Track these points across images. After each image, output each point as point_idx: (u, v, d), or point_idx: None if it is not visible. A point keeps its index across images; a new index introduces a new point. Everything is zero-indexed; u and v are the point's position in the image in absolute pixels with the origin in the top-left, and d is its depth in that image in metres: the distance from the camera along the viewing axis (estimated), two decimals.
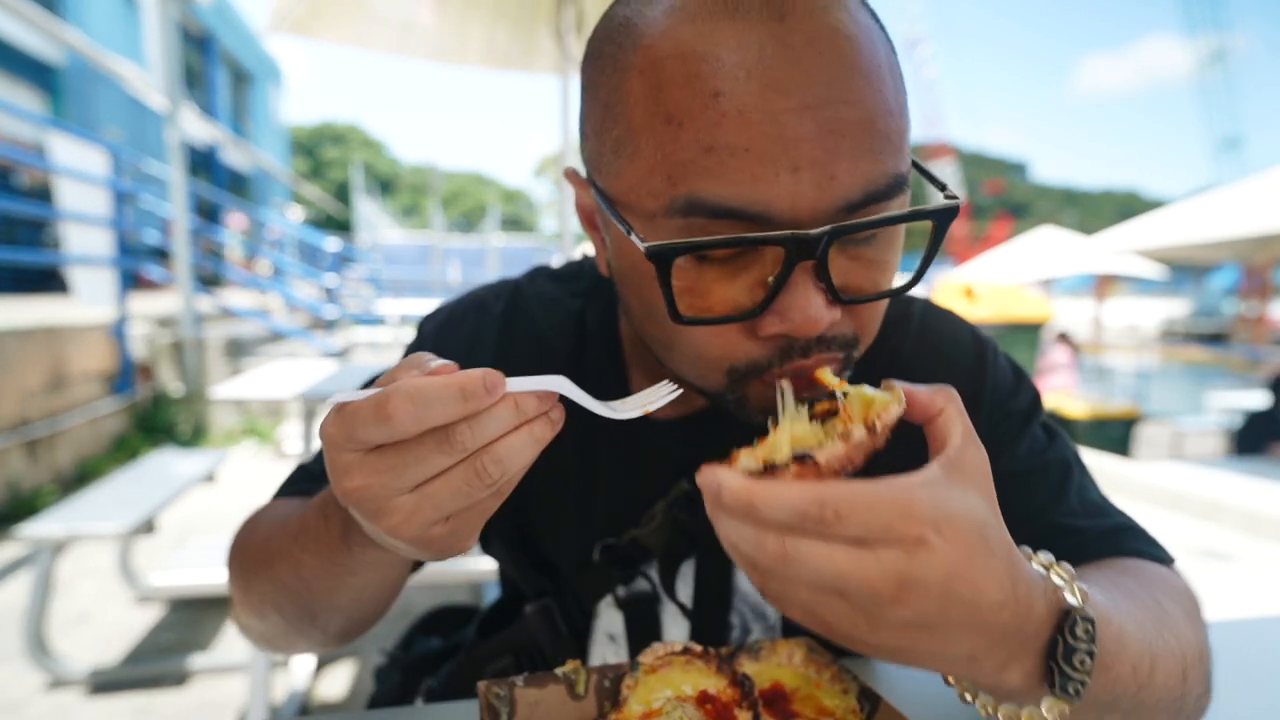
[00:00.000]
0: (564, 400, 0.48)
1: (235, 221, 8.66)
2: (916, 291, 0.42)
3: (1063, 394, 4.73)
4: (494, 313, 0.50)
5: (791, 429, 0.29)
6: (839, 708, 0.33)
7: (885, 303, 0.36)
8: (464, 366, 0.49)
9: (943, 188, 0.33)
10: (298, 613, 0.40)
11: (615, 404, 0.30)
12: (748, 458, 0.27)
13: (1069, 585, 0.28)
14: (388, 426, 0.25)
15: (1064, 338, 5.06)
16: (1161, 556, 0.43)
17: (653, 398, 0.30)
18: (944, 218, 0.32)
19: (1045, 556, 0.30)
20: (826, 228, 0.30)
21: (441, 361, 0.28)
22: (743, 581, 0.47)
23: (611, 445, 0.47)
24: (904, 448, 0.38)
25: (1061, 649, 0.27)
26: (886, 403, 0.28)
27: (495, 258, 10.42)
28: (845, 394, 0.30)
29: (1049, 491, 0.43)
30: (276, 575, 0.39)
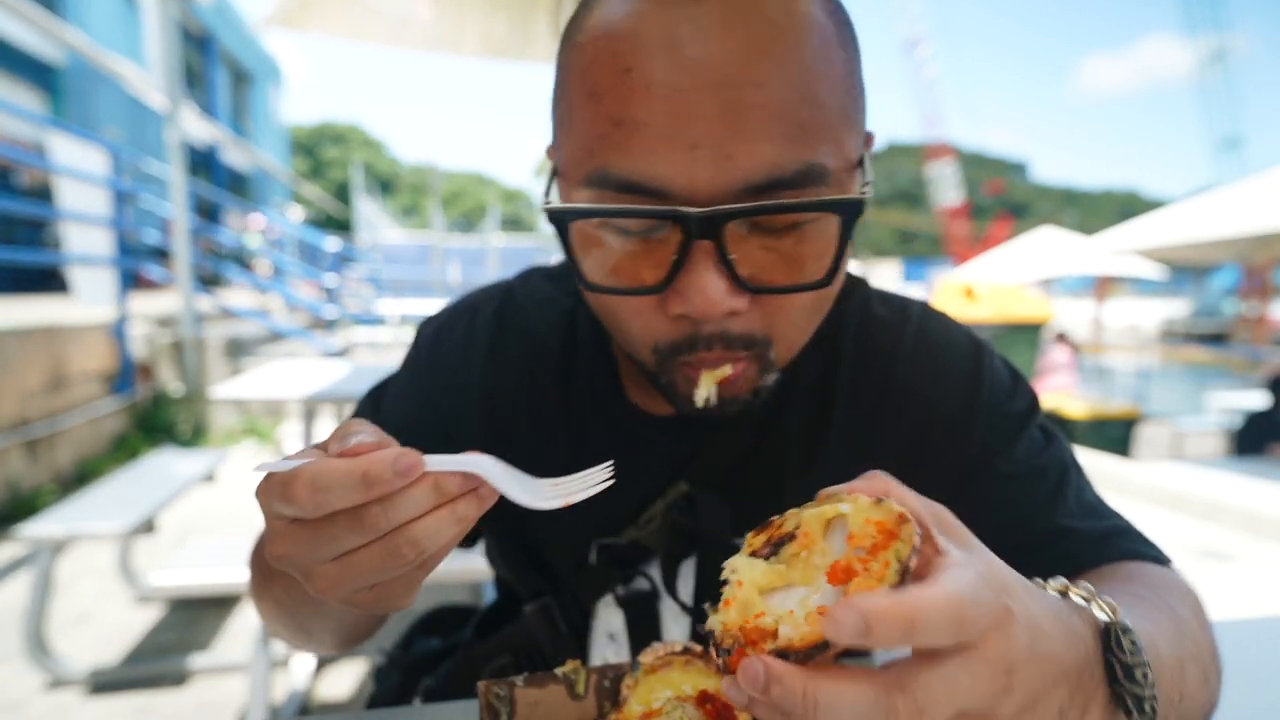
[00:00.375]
0: (554, 389, 0.48)
1: (255, 222, 8.63)
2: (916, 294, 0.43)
3: (1063, 394, 4.73)
4: (486, 315, 0.50)
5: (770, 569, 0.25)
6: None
7: (807, 308, 0.35)
8: (455, 369, 0.49)
9: (868, 179, 0.33)
10: (294, 626, 0.42)
11: (541, 487, 0.29)
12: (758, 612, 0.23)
13: (1093, 602, 0.27)
14: (292, 508, 0.25)
15: (1062, 338, 5.06)
16: (1159, 558, 0.42)
17: (577, 487, 0.29)
18: (849, 210, 0.31)
19: (1058, 582, 0.28)
20: (717, 207, 0.30)
21: (362, 437, 0.26)
22: None
23: (603, 443, 0.47)
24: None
25: (1120, 669, 0.25)
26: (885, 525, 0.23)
27: (495, 258, 10.41)
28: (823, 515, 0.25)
29: (1046, 494, 0.43)
30: (273, 594, 0.40)
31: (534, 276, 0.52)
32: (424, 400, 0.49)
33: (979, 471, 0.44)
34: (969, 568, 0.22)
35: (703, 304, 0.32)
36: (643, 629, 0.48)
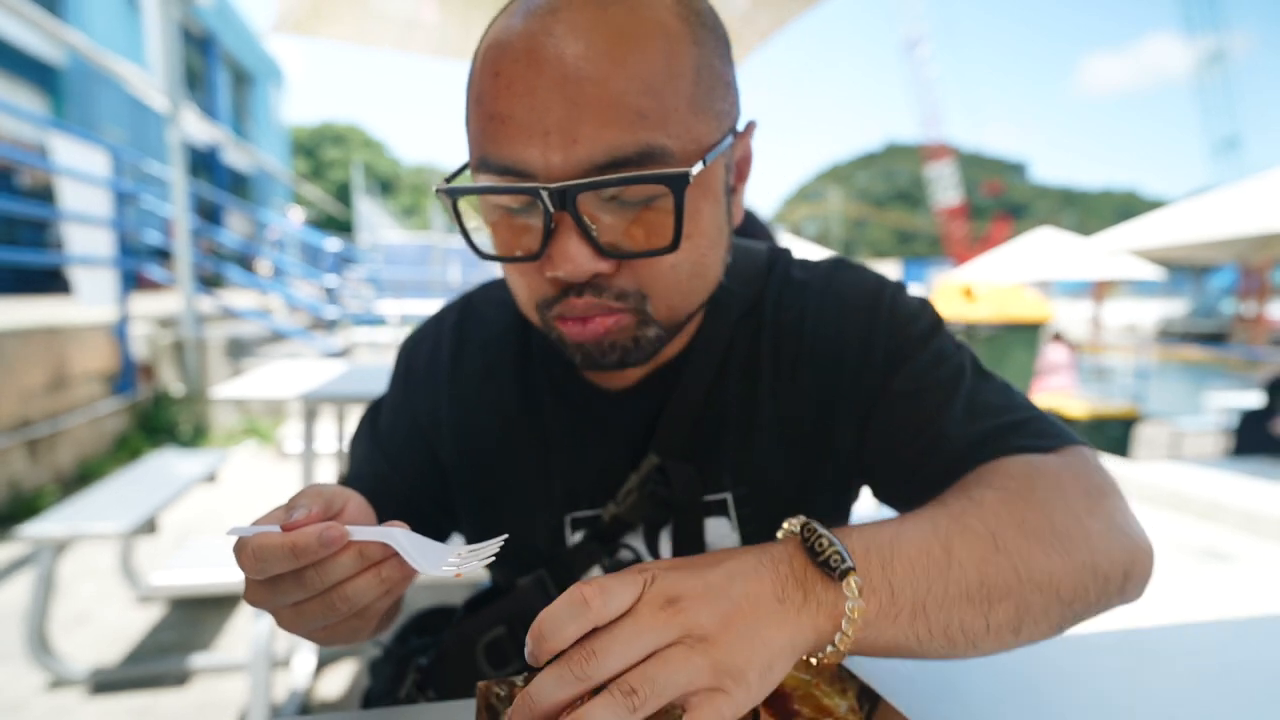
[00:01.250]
0: (512, 381, 0.52)
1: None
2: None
3: (1061, 394, 4.74)
4: (449, 324, 0.55)
5: None
6: (838, 707, 0.33)
7: (674, 269, 0.40)
8: (426, 379, 0.53)
9: (688, 177, 0.37)
10: (304, 634, 0.45)
11: (443, 555, 0.33)
12: None
13: (790, 525, 0.34)
14: (248, 572, 0.31)
15: (1059, 337, 5.07)
16: (1037, 446, 0.41)
17: (473, 558, 0.33)
18: (676, 182, 0.36)
19: (796, 521, 0.33)
20: (565, 182, 0.36)
21: (300, 512, 0.31)
22: (709, 535, 0.50)
23: (565, 423, 0.50)
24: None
25: (809, 551, 0.31)
26: None
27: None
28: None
29: (935, 405, 0.44)
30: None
31: (490, 285, 0.57)
32: (408, 412, 0.53)
33: (880, 395, 0.46)
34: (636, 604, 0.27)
35: (569, 268, 0.38)
36: None
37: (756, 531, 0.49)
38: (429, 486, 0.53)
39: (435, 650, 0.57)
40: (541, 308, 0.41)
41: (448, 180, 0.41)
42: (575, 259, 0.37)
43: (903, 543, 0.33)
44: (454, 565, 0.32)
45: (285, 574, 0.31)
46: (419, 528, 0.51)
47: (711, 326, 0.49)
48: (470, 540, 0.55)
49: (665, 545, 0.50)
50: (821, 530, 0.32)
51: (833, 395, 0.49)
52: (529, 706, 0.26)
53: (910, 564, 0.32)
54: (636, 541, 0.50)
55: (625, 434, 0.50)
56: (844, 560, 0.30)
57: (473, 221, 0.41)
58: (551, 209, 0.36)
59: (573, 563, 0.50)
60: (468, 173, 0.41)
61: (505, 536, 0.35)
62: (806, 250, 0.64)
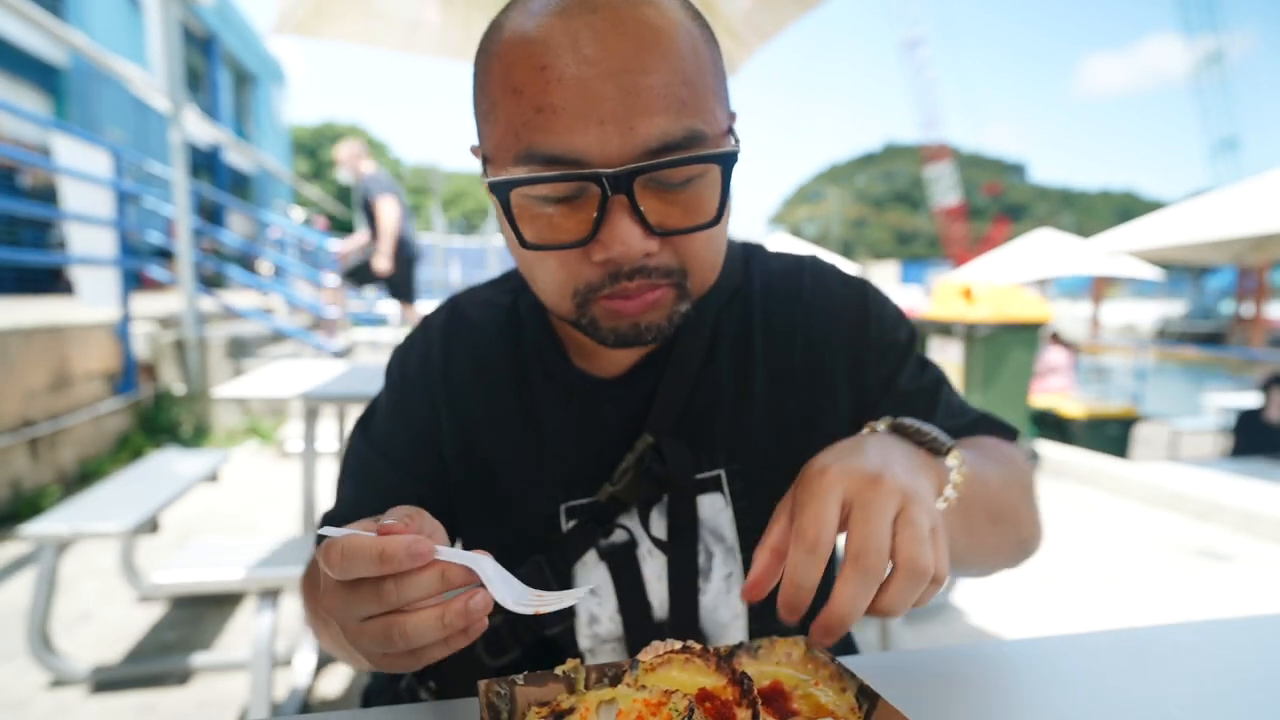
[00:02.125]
0: (505, 374, 0.53)
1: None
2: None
3: (1059, 395, 4.75)
4: (437, 326, 0.56)
5: None
6: (838, 706, 0.33)
7: (711, 242, 0.43)
8: (420, 381, 0.54)
9: (738, 141, 0.42)
10: (344, 656, 0.45)
11: (525, 593, 0.33)
12: None
13: (882, 423, 0.42)
14: (330, 570, 0.31)
15: (1057, 338, 5.08)
16: (1002, 435, 0.55)
17: (554, 600, 0.33)
18: (726, 161, 0.40)
19: (869, 425, 0.42)
20: (627, 166, 0.38)
21: (393, 519, 0.32)
22: (703, 510, 0.52)
23: (559, 411, 0.52)
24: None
25: (913, 436, 0.40)
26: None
27: (496, 258, 10.43)
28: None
29: (927, 404, 0.54)
30: (320, 626, 0.45)
31: (475, 288, 0.59)
32: (405, 416, 0.54)
33: (881, 394, 0.53)
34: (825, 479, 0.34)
35: (623, 249, 0.39)
36: (624, 576, 0.51)
37: (749, 506, 0.51)
38: (437, 487, 0.54)
39: None
40: (583, 293, 0.42)
41: (487, 175, 0.41)
42: (629, 240, 0.39)
43: (967, 461, 0.41)
44: (534, 604, 0.32)
45: (365, 583, 0.31)
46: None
47: (698, 311, 0.51)
48: (467, 531, 0.55)
49: (657, 523, 0.51)
50: (917, 423, 0.41)
51: (826, 377, 0.53)
52: (797, 593, 0.32)
53: (973, 477, 0.41)
54: (630, 521, 0.51)
55: (619, 419, 0.51)
56: (945, 442, 0.40)
57: (522, 217, 0.41)
58: (609, 193, 0.38)
59: (568, 548, 0.51)
60: (489, 168, 0.42)
61: (591, 587, 0.35)
62: (807, 251, 0.65)
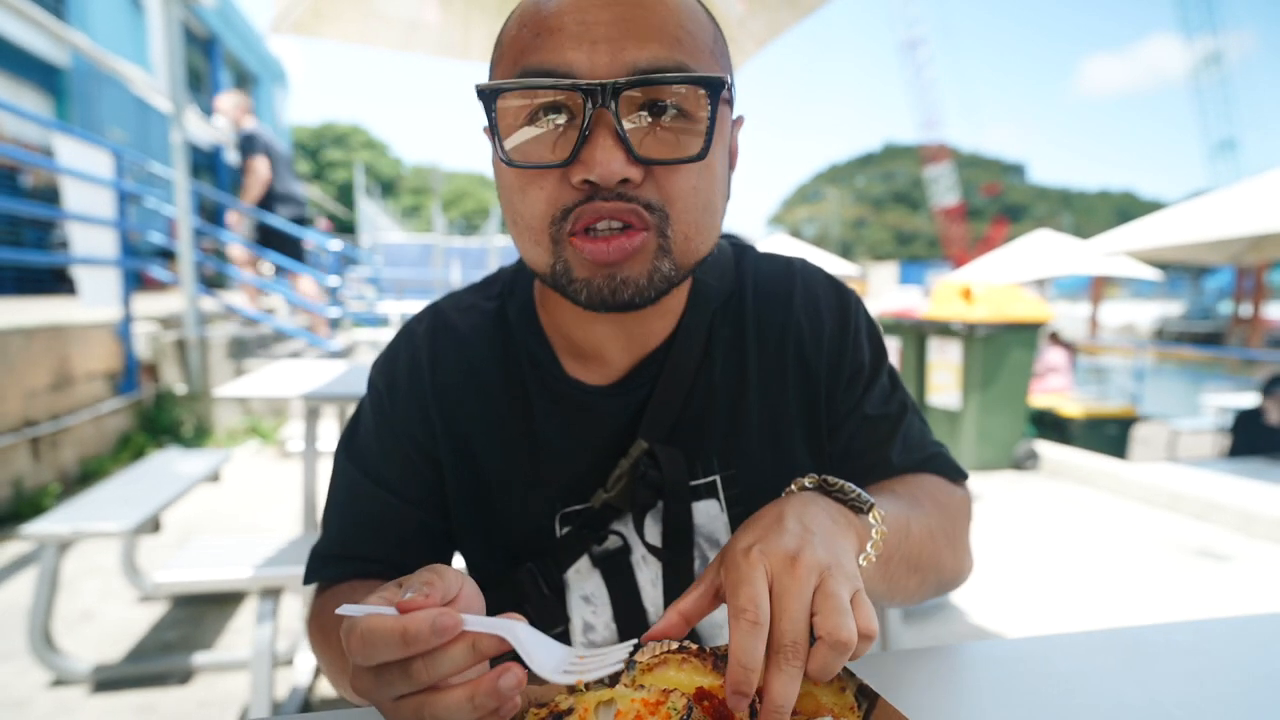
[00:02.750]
0: (495, 380, 0.52)
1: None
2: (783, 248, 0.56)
3: (1058, 395, 4.75)
4: (420, 333, 0.54)
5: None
6: (836, 705, 0.33)
7: (696, 186, 0.42)
8: (410, 390, 0.53)
9: (726, 82, 0.41)
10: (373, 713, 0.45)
11: (563, 659, 0.32)
12: None
13: (801, 485, 0.42)
14: (353, 656, 0.30)
15: (1056, 338, 5.08)
16: (951, 476, 0.56)
17: (594, 666, 0.32)
18: (713, 85, 0.40)
19: (797, 482, 0.42)
20: (613, 80, 0.38)
21: (412, 594, 0.30)
22: (699, 517, 0.51)
23: (553, 419, 0.51)
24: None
25: (835, 494, 0.41)
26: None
27: (496, 258, 10.43)
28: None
29: (886, 433, 0.54)
30: (343, 682, 0.44)
31: (455, 293, 0.58)
32: (393, 428, 0.52)
33: (847, 415, 0.54)
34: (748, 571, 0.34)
35: (603, 169, 0.38)
36: (618, 583, 0.51)
37: (745, 512, 0.51)
38: (431, 507, 0.52)
39: None
40: (558, 220, 0.41)
41: (480, 90, 0.41)
42: (609, 161, 0.38)
43: (890, 509, 0.43)
44: (576, 670, 0.31)
45: (391, 665, 0.29)
46: (430, 551, 0.52)
47: (692, 315, 0.52)
48: (462, 540, 0.54)
49: (651, 529, 0.50)
50: (840, 481, 0.41)
51: (816, 385, 0.53)
52: (746, 675, 0.31)
53: (892, 526, 0.42)
54: (624, 527, 0.51)
55: (614, 426, 0.50)
56: (866, 500, 0.40)
57: (508, 132, 0.41)
58: (593, 106, 0.38)
59: (561, 554, 0.50)
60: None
61: (634, 642, 0.35)
62: (806, 252, 0.66)
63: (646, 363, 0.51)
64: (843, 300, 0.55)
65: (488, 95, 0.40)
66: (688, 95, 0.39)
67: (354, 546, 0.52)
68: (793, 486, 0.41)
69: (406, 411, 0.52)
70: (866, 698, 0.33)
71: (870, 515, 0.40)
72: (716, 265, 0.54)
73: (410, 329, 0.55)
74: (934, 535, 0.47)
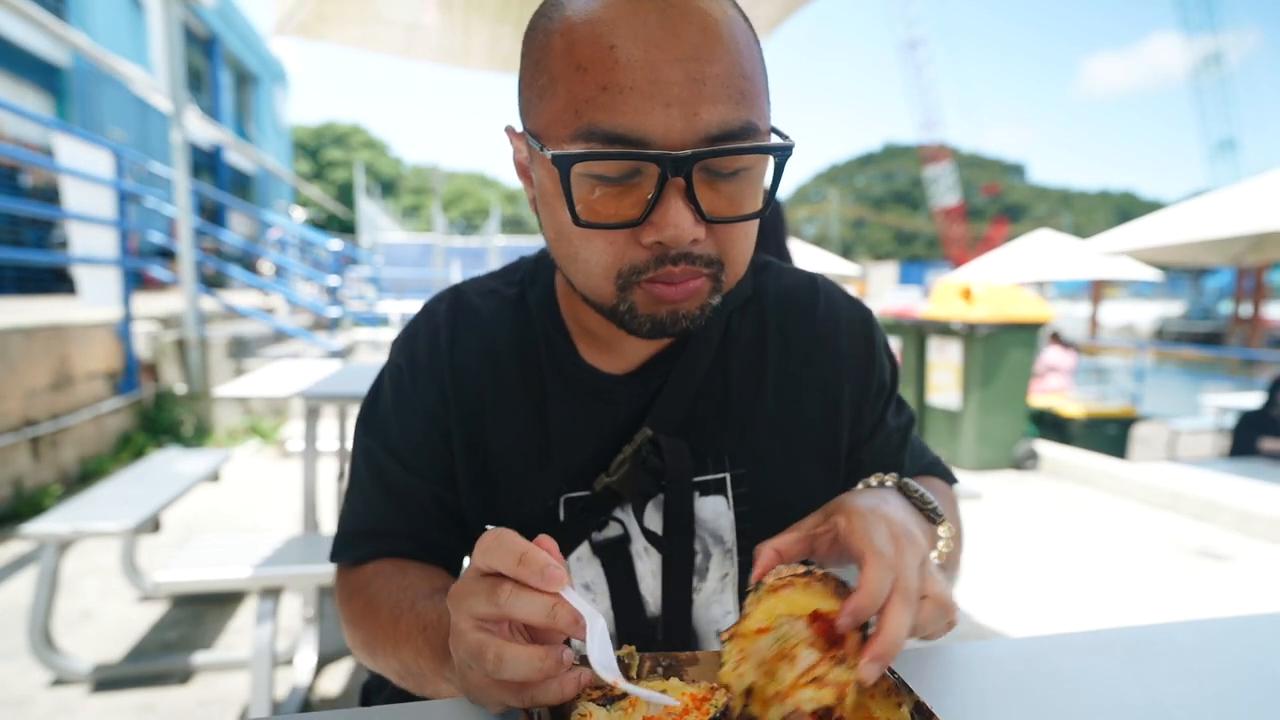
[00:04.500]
0: (512, 364, 0.54)
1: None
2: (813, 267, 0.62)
3: (1058, 395, 4.75)
4: (441, 312, 0.56)
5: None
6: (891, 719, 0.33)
7: (748, 235, 0.45)
8: (430, 366, 0.55)
9: (784, 137, 0.43)
10: (416, 685, 0.46)
11: (618, 670, 0.33)
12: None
13: (881, 480, 0.44)
14: (481, 555, 0.34)
15: (1056, 338, 5.08)
16: (950, 479, 0.62)
17: (645, 694, 0.33)
18: (781, 153, 0.42)
19: (877, 477, 0.44)
20: (691, 150, 0.39)
21: (549, 543, 0.35)
22: (701, 510, 0.52)
23: (566, 404, 0.52)
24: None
25: (915, 500, 0.44)
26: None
27: (496, 258, 10.44)
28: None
29: (899, 444, 0.59)
30: (403, 656, 0.45)
31: (476, 278, 0.59)
32: (411, 404, 0.53)
33: (873, 430, 0.57)
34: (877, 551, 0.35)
35: (674, 232, 0.40)
36: (617, 572, 0.52)
37: (750, 512, 0.52)
38: (449, 484, 0.53)
39: None
40: (626, 275, 0.43)
41: (543, 151, 0.41)
42: (682, 224, 0.40)
43: (941, 502, 0.47)
44: (616, 678, 0.32)
45: (490, 578, 0.33)
46: (451, 528, 0.54)
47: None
48: (469, 521, 0.55)
49: (652, 518, 0.51)
50: (920, 488, 0.44)
51: (833, 396, 0.55)
52: (872, 604, 0.33)
53: (954, 530, 0.46)
54: (624, 515, 0.51)
55: (626, 414, 0.51)
56: (940, 515, 0.44)
57: (577, 193, 0.41)
58: (669, 175, 0.39)
59: (562, 540, 0.50)
60: (541, 143, 0.41)
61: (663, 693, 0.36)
62: (806, 252, 0.67)
63: (663, 355, 0.52)
64: (864, 317, 0.58)
65: (562, 161, 0.39)
66: (755, 157, 0.41)
67: (378, 523, 0.53)
68: (872, 481, 0.44)
69: (425, 387, 0.53)
70: (923, 717, 0.32)
71: (941, 529, 0.43)
72: None
73: (431, 308, 0.56)
74: (959, 540, 0.51)
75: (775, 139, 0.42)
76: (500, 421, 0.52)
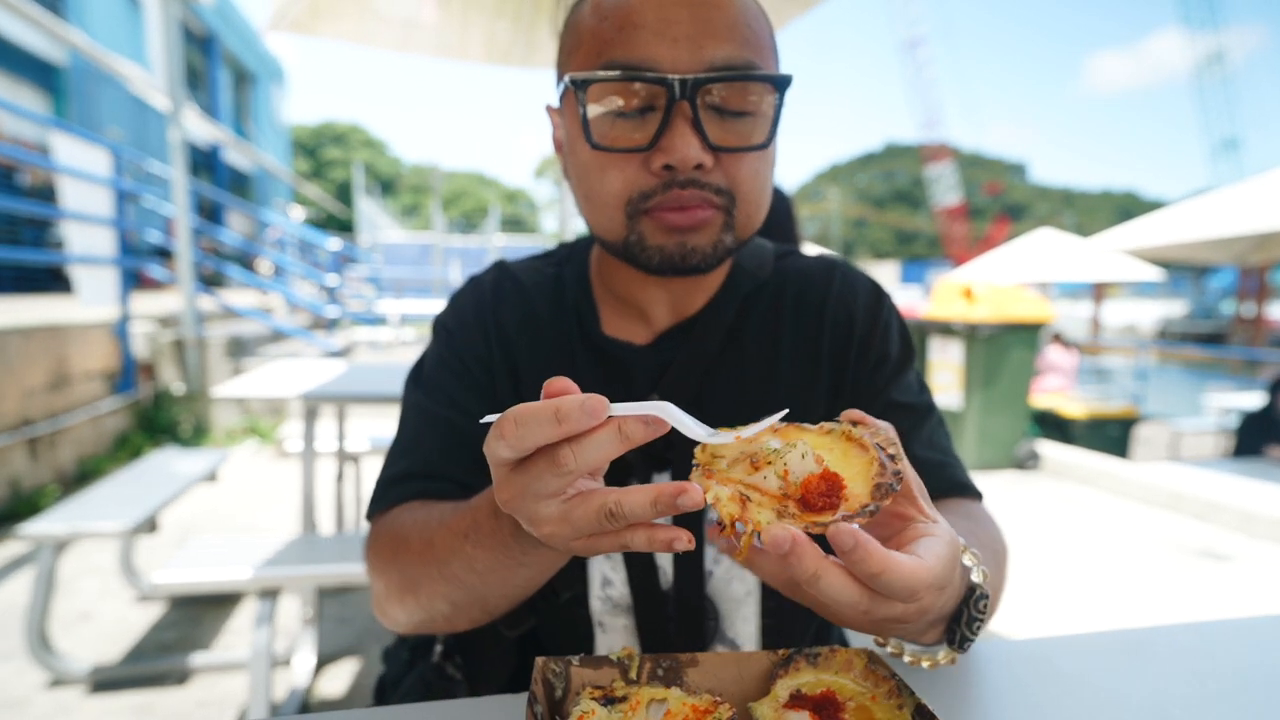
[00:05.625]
0: (548, 328, 0.55)
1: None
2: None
3: (1060, 395, 4.74)
4: (487, 281, 0.60)
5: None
6: None
7: (758, 174, 0.48)
8: (476, 326, 0.57)
9: (786, 80, 0.46)
10: (469, 600, 0.44)
11: (715, 432, 0.32)
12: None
13: (976, 567, 0.37)
14: (503, 444, 0.29)
15: (1058, 338, 5.08)
16: (977, 493, 0.55)
17: (749, 429, 0.32)
18: (782, 84, 0.46)
19: (962, 541, 0.37)
20: (695, 75, 0.44)
21: (561, 383, 0.30)
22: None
23: (590, 369, 0.55)
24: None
25: (966, 618, 0.36)
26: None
27: (496, 257, 10.41)
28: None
29: (913, 425, 0.55)
30: (451, 572, 0.43)
31: (519, 258, 0.64)
32: (459, 355, 0.57)
33: (870, 400, 0.55)
34: (939, 552, 0.32)
35: (681, 156, 0.44)
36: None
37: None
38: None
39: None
40: (636, 202, 0.46)
41: (574, 80, 0.45)
42: (688, 148, 0.44)
43: (992, 602, 0.41)
44: (725, 437, 0.31)
45: (540, 456, 0.29)
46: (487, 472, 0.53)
47: (726, 290, 0.56)
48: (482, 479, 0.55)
49: None
50: (983, 616, 0.37)
51: (843, 370, 0.56)
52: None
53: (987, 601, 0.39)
54: (637, 482, 0.52)
55: (644, 382, 0.54)
56: (969, 643, 0.37)
57: (593, 120, 0.45)
58: (675, 98, 0.43)
59: None
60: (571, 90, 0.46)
61: (786, 410, 0.35)
62: (806, 251, 0.68)
63: (682, 326, 0.55)
64: (878, 296, 0.59)
65: (579, 84, 0.44)
66: (757, 90, 0.45)
67: (412, 465, 0.53)
68: (968, 557, 0.38)
69: (471, 339, 0.56)
70: (924, 718, 0.32)
71: (950, 651, 0.37)
72: (756, 254, 0.58)
73: (477, 279, 0.61)
74: (997, 589, 0.47)
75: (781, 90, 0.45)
76: (532, 380, 0.54)
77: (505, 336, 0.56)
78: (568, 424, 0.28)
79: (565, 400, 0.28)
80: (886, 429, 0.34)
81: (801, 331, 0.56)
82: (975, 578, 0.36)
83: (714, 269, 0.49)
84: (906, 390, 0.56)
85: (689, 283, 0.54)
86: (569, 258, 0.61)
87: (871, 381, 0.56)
